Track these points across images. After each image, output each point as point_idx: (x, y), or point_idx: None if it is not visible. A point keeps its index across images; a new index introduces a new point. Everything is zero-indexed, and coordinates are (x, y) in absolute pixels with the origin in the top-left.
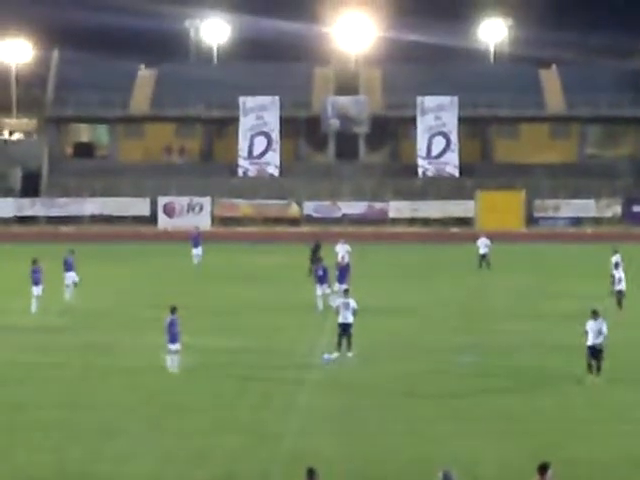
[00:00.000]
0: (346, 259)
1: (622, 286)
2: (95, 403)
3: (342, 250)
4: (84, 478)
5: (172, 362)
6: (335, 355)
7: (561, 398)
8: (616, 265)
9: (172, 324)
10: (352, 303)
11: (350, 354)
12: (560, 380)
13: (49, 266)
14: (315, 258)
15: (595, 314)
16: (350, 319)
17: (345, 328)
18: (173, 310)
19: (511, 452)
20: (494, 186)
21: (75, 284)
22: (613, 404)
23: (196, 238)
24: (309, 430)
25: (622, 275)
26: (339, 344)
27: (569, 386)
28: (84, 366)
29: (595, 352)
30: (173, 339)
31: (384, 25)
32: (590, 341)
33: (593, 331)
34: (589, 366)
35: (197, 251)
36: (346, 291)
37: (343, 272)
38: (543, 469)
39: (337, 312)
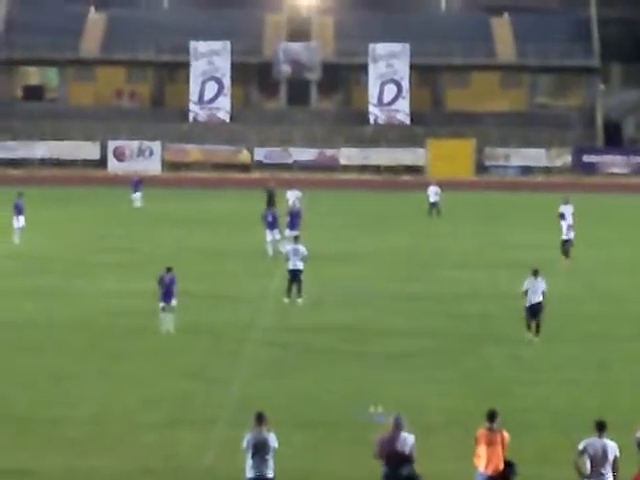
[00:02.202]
0: (297, 205)
1: (571, 235)
2: (43, 348)
3: (293, 196)
4: (32, 423)
5: (167, 320)
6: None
7: (507, 347)
8: (562, 215)
9: (169, 282)
10: (302, 249)
11: (300, 300)
12: (506, 330)
13: None
14: (270, 204)
15: (535, 273)
16: (300, 266)
17: (295, 274)
18: (169, 269)
19: (458, 400)
20: (445, 134)
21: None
22: (559, 354)
23: (137, 184)
24: (258, 376)
25: (571, 223)
26: (289, 290)
27: (515, 336)
28: (33, 311)
29: (534, 312)
30: (169, 297)
31: None
32: (529, 301)
33: (533, 290)
34: (528, 326)
35: (136, 196)
36: (296, 237)
37: (294, 218)
38: (492, 416)
39: (287, 258)
